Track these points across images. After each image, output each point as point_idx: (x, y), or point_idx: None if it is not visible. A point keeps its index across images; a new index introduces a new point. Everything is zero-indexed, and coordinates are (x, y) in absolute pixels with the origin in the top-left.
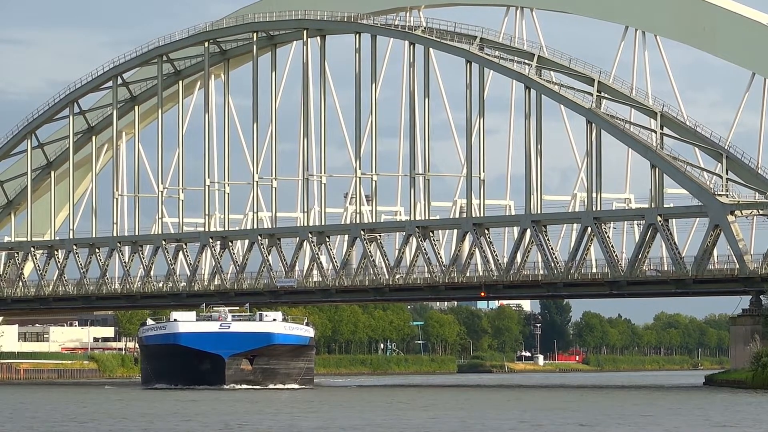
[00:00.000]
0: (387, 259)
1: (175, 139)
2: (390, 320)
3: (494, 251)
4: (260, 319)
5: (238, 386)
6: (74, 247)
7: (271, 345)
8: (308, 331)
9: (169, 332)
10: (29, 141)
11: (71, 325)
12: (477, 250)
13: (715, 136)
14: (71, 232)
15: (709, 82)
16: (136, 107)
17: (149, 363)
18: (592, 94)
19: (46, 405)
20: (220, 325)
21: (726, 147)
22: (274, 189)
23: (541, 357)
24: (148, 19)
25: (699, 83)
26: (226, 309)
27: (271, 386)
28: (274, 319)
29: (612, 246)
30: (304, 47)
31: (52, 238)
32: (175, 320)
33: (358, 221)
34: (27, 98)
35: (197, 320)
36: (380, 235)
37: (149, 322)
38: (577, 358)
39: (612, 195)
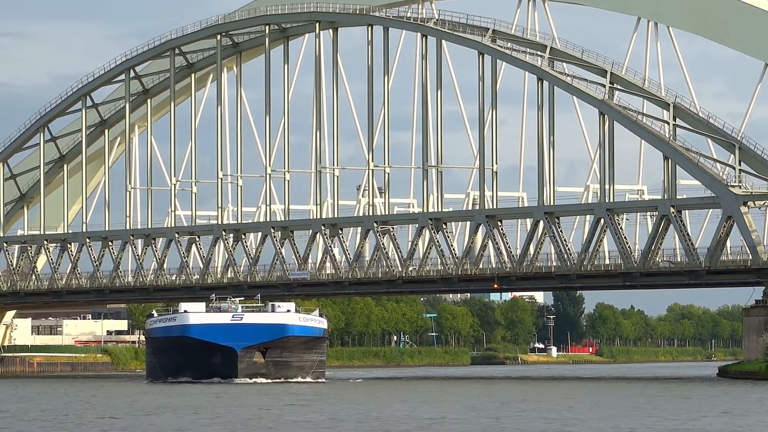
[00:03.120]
0: (400, 251)
1: (187, 132)
2: (403, 312)
3: (507, 243)
4: (273, 310)
5: (251, 380)
6: (87, 240)
7: (285, 337)
8: (322, 323)
9: (179, 324)
10: (42, 134)
11: (84, 318)
12: (490, 241)
13: (727, 127)
14: (84, 225)
15: (714, 73)
16: (149, 100)
17: (156, 356)
18: (604, 86)
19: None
20: (233, 317)
21: (739, 138)
22: (286, 181)
23: (554, 349)
24: (153, 12)
25: (703, 74)
26: (236, 300)
27: (285, 380)
28: (288, 310)
29: (625, 237)
30: (317, 40)
31: (65, 232)
32: (185, 312)
33: (371, 213)
34: (31, 92)
35: (207, 312)
36: (393, 228)
37: (155, 314)
38: (591, 350)
39: (625, 186)
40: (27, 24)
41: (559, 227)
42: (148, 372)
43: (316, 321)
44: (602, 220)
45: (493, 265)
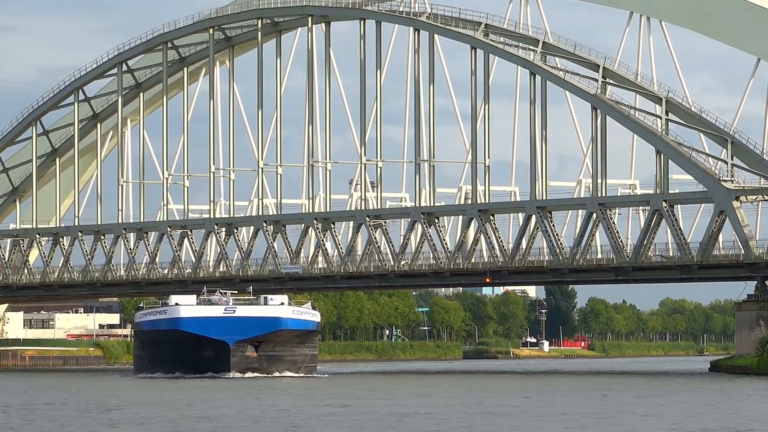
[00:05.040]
0: (392, 246)
1: (180, 126)
2: (395, 307)
3: (499, 237)
4: (265, 303)
5: (243, 374)
6: (79, 234)
7: (279, 331)
8: (315, 316)
9: (170, 317)
10: (34, 128)
11: (76, 311)
12: (482, 236)
13: (720, 122)
14: (76, 219)
15: (701, 67)
16: (141, 94)
17: (146, 350)
18: (597, 80)
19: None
20: (225, 310)
21: (731, 133)
22: (279, 176)
23: (546, 343)
24: (141, 6)
25: (690, 69)
26: (228, 292)
27: (279, 374)
28: (282, 303)
29: (617, 232)
30: (309, 34)
31: (58, 225)
32: (176, 304)
33: (363, 208)
34: (18, 85)
35: (198, 304)
36: (385, 222)
37: (144, 307)
38: (583, 344)
39: (617, 181)
40: (13, 17)
41: (552, 221)
42: (136, 366)
43: (309, 314)
44: (594, 215)
45: (486, 260)
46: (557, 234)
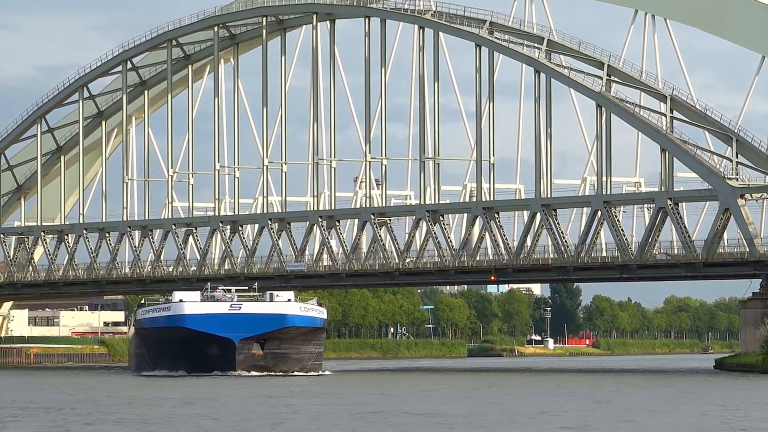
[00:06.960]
0: (397, 243)
1: (184, 124)
2: (400, 304)
3: (504, 235)
4: (271, 300)
5: (249, 372)
6: (84, 231)
7: (285, 328)
8: (322, 313)
9: (174, 314)
10: (39, 126)
11: (81, 309)
12: (487, 233)
13: (724, 120)
14: (81, 216)
15: (701, 65)
16: (146, 92)
17: (147, 347)
18: (601, 78)
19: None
20: (230, 306)
21: (736, 130)
22: (283, 173)
23: (551, 341)
24: (140, 3)
25: (690, 66)
26: (232, 289)
27: (282, 372)
28: (288, 300)
29: (622, 230)
30: (314, 31)
31: (62, 223)
32: (180, 301)
33: (367, 205)
34: (17, 83)
35: (203, 301)
36: (390, 219)
37: (146, 303)
38: (588, 342)
39: (622, 179)
40: (11, 15)
41: (556, 219)
42: (136, 364)
43: (316, 311)
44: (599, 213)
45: (490, 257)
46: (562, 232)
